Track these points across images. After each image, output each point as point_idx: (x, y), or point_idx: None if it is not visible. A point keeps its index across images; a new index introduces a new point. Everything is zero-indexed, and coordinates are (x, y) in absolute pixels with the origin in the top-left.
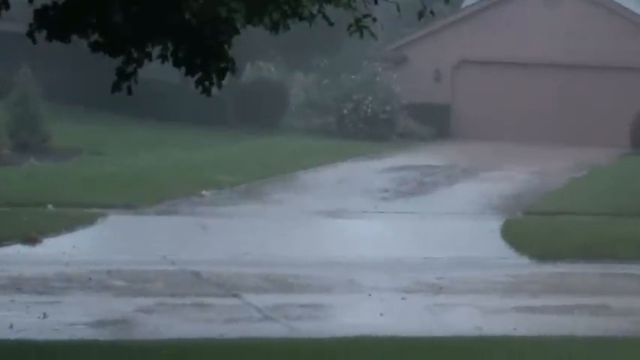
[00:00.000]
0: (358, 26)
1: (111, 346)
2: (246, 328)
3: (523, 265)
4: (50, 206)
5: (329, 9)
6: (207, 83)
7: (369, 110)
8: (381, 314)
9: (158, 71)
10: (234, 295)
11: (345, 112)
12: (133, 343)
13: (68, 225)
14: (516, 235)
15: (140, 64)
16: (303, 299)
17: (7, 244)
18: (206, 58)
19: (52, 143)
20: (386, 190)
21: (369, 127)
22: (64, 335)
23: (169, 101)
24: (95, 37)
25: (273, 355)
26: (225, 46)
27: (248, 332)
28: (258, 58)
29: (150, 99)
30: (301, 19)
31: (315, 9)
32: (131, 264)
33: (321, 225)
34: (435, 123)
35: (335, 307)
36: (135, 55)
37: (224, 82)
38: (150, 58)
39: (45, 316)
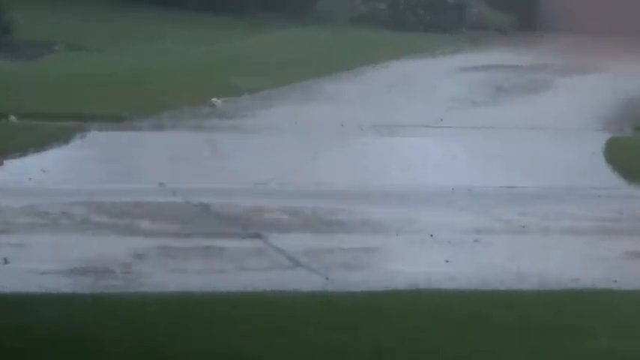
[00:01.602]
0: None
1: (91, 300)
2: (271, 279)
3: (633, 197)
4: (13, 118)
5: None
6: None
7: None
8: (447, 261)
9: None
10: (255, 236)
11: None
12: (119, 297)
13: (36, 143)
14: (624, 158)
15: None
16: (345, 241)
17: None
18: None
19: (15, 36)
20: (454, 99)
21: (432, 16)
22: (31, 286)
23: None
24: None
25: (302, 311)
26: None
27: (272, 284)
28: None
29: None
30: None
31: None
32: (119, 194)
33: (369, 144)
34: (518, 10)
35: (386, 252)
36: None
37: None
38: None
39: (5, 261)
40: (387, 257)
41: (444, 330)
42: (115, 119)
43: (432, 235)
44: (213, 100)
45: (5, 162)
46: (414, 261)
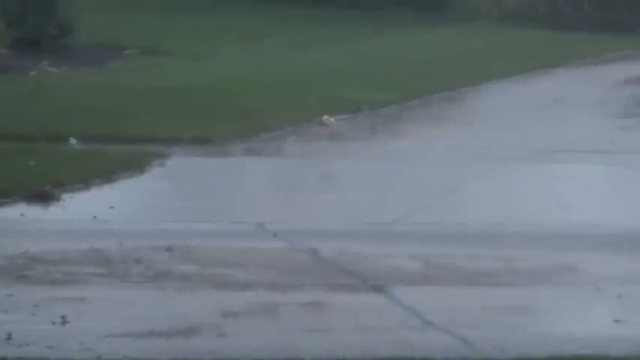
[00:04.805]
0: None
1: None
2: (396, 341)
3: None
4: (73, 141)
5: None
6: None
7: None
8: (616, 320)
9: None
10: (376, 289)
11: None
12: None
13: (102, 172)
14: None
15: None
16: (487, 296)
17: (5, 203)
18: None
19: (77, 38)
20: (629, 115)
21: (601, 12)
22: (95, 352)
23: None
24: None
25: None
26: None
27: (397, 348)
28: None
29: None
30: None
31: None
32: (206, 237)
33: (518, 173)
34: None
35: (540, 309)
36: None
37: None
38: None
39: (64, 321)
40: (542, 316)
41: None
42: (199, 142)
43: (598, 288)
44: (325, 118)
45: (64, 196)
46: (576, 320)
